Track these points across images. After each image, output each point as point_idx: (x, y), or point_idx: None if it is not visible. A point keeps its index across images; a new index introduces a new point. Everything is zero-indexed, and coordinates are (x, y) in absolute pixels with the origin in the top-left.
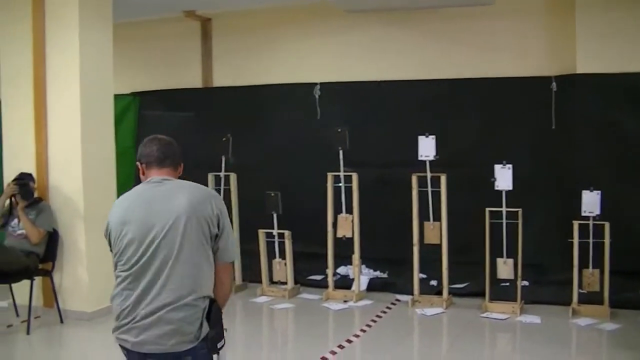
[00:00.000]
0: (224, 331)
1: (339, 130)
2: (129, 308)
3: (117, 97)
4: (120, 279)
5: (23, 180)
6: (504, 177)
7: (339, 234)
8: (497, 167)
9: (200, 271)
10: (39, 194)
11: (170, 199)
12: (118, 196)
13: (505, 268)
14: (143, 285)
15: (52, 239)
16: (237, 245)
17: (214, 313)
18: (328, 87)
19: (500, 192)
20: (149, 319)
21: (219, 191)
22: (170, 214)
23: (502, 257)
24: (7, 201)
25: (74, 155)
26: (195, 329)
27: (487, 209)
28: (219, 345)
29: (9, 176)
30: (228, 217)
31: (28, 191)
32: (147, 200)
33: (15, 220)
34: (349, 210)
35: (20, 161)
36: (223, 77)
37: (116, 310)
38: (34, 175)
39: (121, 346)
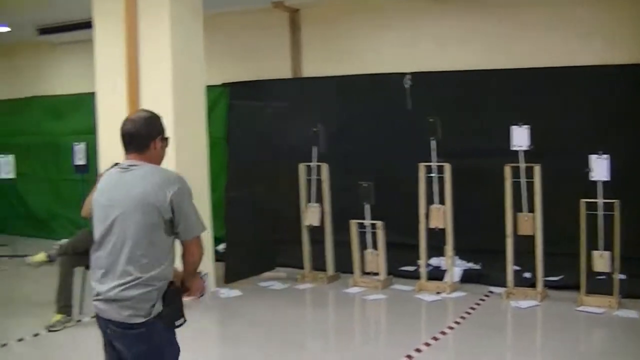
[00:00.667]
0: (183, 310)
1: (431, 120)
2: (97, 284)
3: (208, 88)
4: (93, 257)
5: None
6: (600, 168)
7: (432, 225)
8: (593, 157)
9: (154, 254)
10: None
11: (128, 188)
12: (211, 186)
13: (601, 261)
14: (105, 265)
15: None
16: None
17: (168, 294)
18: (418, 77)
19: (596, 182)
20: (109, 294)
21: (309, 181)
22: (126, 203)
23: (598, 249)
24: None
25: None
26: (148, 306)
27: (583, 200)
28: (177, 323)
29: (104, 167)
30: (187, 198)
31: None
32: (110, 187)
33: None
34: (442, 201)
35: (114, 152)
36: (312, 67)
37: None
38: None
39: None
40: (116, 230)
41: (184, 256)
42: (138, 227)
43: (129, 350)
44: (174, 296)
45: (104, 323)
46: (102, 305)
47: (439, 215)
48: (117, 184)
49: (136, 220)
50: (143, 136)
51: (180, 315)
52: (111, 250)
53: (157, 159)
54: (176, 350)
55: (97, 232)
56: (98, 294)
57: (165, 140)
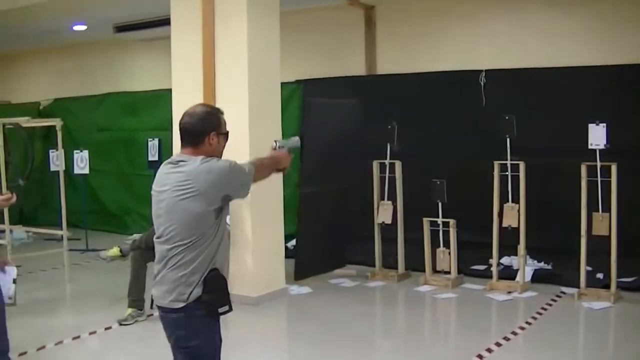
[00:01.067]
0: (228, 298)
1: (506, 117)
2: (156, 268)
3: (282, 85)
4: (156, 248)
5: None
6: None
7: (505, 224)
8: None
9: (198, 243)
10: None
11: (173, 181)
12: (283, 182)
13: None
14: (159, 249)
15: None
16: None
17: (209, 279)
18: (494, 74)
19: None
20: (157, 278)
21: (383, 179)
22: (170, 195)
23: None
24: None
25: (242, 143)
26: (188, 290)
27: None
28: (220, 310)
29: None
30: (227, 178)
31: None
32: (160, 181)
33: None
34: (515, 200)
35: None
36: (387, 65)
37: None
38: None
39: None
40: (163, 224)
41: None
42: (182, 219)
43: (170, 336)
44: (216, 282)
45: (159, 310)
46: (154, 292)
47: (513, 214)
48: (167, 177)
49: (180, 214)
50: (198, 131)
51: (225, 302)
52: (164, 240)
53: (213, 152)
54: (217, 340)
55: (155, 224)
56: (155, 277)
57: (222, 135)
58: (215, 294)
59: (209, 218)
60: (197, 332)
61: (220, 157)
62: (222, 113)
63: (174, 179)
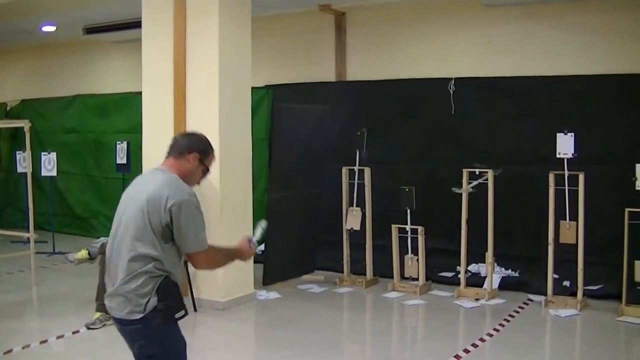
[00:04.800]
0: (182, 302)
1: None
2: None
3: (252, 90)
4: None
5: None
6: None
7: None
8: (639, 167)
9: (151, 253)
10: None
11: (142, 188)
12: (255, 189)
13: None
14: (111, 260)
15: None
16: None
17: (162, 287)
18: (463, 82)
19: None
20: (112, 289)
21: (352, 185)
22: (134, 202)
23: None
24: None
25: None
26: (144, 301)
27: (627, 209)
28: (177, 316)
29: (148, 166)
30: (188, 213)
31: None
32: (131, 188)
33: None
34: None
35: (158, 151)
36: (357, 71)
37: None
38: None
39: None
40: (122, 228)
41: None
42: (137, 228)
43: (132, 346)
44: (170, 289)
45: (116, 322)
46: (109, 303)
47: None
48: (137, 184)
49: (137, 218)
50: (186, 145)
51: (180, 307)
52: (117, 244)
53: (188, 174)
54: (180, 343)
55: (113, 226)
56: (107, 293)
57: (203, 165)
58: (170, 300)
59: (161, 234)
60: (159, 339)
61: (193, 182)
62: (212, 149)
63: (145, 183)
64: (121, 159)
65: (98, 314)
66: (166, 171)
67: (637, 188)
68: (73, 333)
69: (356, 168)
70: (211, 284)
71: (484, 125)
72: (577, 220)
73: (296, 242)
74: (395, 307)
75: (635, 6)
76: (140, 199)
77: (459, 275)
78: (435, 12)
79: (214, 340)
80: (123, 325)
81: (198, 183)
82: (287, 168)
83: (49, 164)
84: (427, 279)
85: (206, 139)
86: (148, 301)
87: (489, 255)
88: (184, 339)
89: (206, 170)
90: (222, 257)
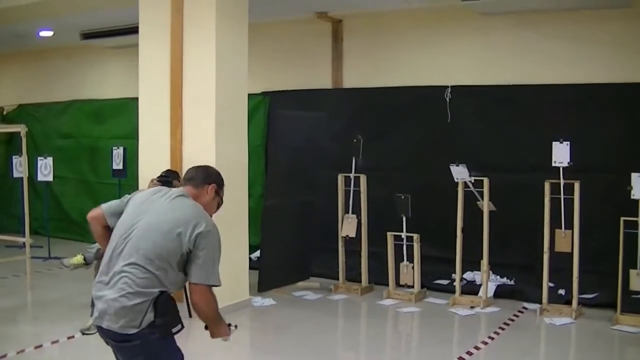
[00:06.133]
0: (178, 317)
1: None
2: (101, 278)
3: (249, 96)
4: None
5: (167, 177)
6: None
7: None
8: (635, 176)
9: (157, 276)
10: None
11: (165, 210)
12: (251, 196)
13: (638, 280)
14: (112, 261)
15: None
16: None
17: (159, 303)
18: (459, 90)
19: (636, 201)
20: (100, 292)
21: (348, 192)
22: (161, 217)
23: (635, 268)
24: None
25: (208, 152)
26: (140, 317)
27: (622, 218)
28: (174, 330)
29: (144, 172)
30: (212, 244)
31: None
32: (147, 203)
33: None
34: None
35: (155, 157)
36: (353, 78)
37: None
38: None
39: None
40: (134, 239)
41: (191, 300)
42: (156, 245)
43: None
44: (167, 304)
45: (104, 334)
46: (99, 305)
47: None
48: (158, 199)
49: (157, 239)
50: (206, 176)
51: (177, 322)
52: (122, 257)
53: (206, 205)
54: (179, 357)
55: (117, 234)
56: (97, 294)
57: (219, 196)
58: (167, 316)
59: (177, 259)
60: (158, 354)
61: (207, 212)
62: (224, 185)
63: (169, 202)
64: (117, 164)
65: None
66: (190, 199)
67: (632, 197)
68: (68, 338)
69: (352, 175)
70: None
71: (479, 133)
72: (572, 229)
73: (291, 249)
74: (390, 315)
75: (630, 17)
76: (164, 220)
77: (454, 283)
78: (432, 20)
79: (208, 346)
80: (117, 342)
81: (211, 215)
82: (283, 175)
83: (45, 169)
84: (422, 286)
85: (219, 172)
86: (144, 317)
87: (484, 263)
88: (182, 352)
89: (221, 202)
90: (217, 306)
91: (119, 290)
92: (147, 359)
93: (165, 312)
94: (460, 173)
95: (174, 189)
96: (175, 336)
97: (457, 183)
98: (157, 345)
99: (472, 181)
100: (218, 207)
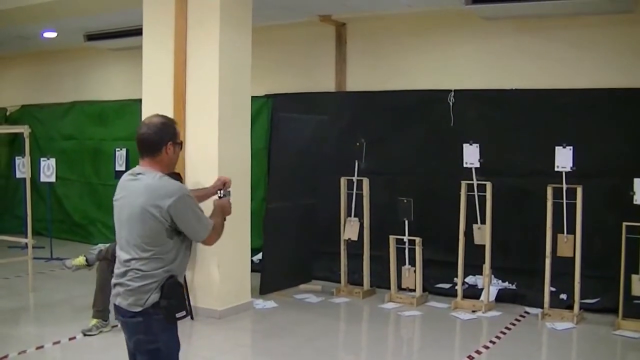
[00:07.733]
0: (184, 303)
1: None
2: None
3: (252, 99)
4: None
5: None
6: None
7: (473, 242)
8: (637, 181)
9: (156, 255)
10: None
11: (133, 197)
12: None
13: None
14: (119, 258)
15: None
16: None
17: (167, 286)
18: (463, 94)
19: (639, 206)
20: (117, 287)
21: (350, 195)
22: (131, 209)
23: (638, 273)
24: None
25: (211, 156)
26: (146, 297)
27: (624, 223)
28: (178, 315)
29: None
30: (185, 207)
31: None
32: (121, 193)
33: None
34: (482, 220)
35: None
36: (356, 82)
37: None
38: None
39: None
40: (124, 233)
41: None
42: (139, 232)
43: (129, 339)
44: (174, 288)
45: (116, 310)
46: (114, 291)
47: (479, 234)
48: (126, 190)
49: (137, 227)
50: (156, 141)
51: (182, 307)
52: (123, 247)
53: (169, 164)
54: (175, 344)
55: (117, 234)
56: (113, 287)
57: (178, 144)
58: (172, 299)
59: (165, 233)
60: (156, 336)
61: (174, 166)
62: (176, 123)
63: (133, 188)
64: (120, 165)
65: (95, 321)
66: (149, 172)
67: (635, 202)
68: (69, 339)
69: (354, 178)
70: (208, 293)
71: (482, 137)
72: (574, 234)
73: (293, 252)
74: (392, 318)
75: (632, 22)
76: (136, 207)
77: (456, 287)
78: (435, 24)
79: (210, 348)
80: (125, 317)
81: (176, 162)
82: (286, 177)
83: (48, 170)
84: (424, 290)
85: (167, 119)
86: (149, 297)
87: (486, 267)
88: (179, 342)
89: (180, 146)
90: (219, 221)
91: (129, 279)
92: (146, 338)
93: (170, 295)
94: (470, 156)
95: (136, 167)
96: (178, 336)
97: (460, 186)
98: (158, 328)
99: (479, 166)
100: (179, 150)
